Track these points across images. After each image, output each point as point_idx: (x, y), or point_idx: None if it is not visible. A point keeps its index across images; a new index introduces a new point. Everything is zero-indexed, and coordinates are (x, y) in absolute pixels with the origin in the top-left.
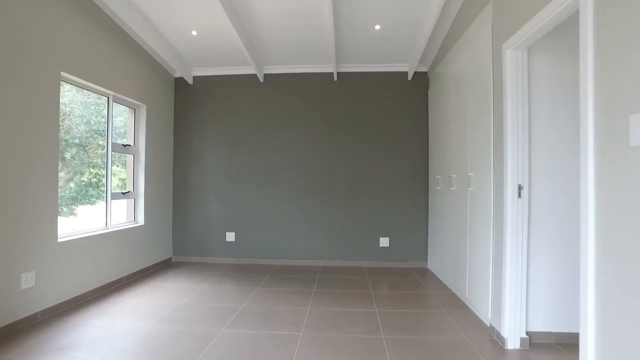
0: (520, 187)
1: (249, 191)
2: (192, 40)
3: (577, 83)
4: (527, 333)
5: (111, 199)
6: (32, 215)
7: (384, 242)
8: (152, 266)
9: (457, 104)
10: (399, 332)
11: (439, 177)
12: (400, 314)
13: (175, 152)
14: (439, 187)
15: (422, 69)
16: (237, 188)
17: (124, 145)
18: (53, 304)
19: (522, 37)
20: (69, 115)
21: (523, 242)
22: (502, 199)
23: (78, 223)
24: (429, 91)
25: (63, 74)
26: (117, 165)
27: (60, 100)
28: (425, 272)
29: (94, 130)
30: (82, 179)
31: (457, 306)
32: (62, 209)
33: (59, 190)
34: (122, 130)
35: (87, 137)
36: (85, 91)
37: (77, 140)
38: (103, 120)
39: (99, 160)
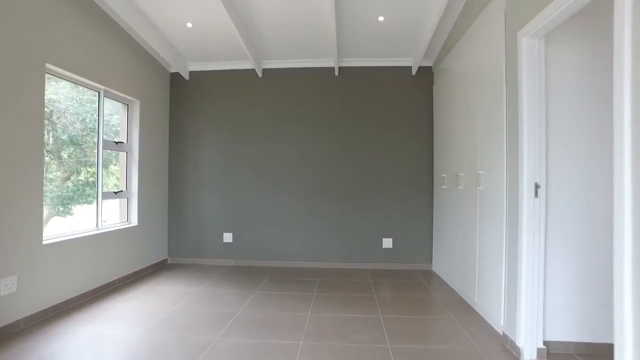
0: (537, 186)
1: (247, 190)
2: (187, 33)
3: (599, 73)
4: (544, 343)
5: (102, 198)
6: (13, 216)
7: (387, 243)
8: (146, 268)
9: (464, 98)
10: (406, 341)
11: (444, 175)
12: (405, 320)
13: (171, 150)
14: (444, 186)
15: (427, 63)
16: (235, 187)
17: (117, 143)
18: (37, 311)
19: (540, 24)
20: (64, 113)
21: (540, 244)
22: (516, 198)
23: (73, 223)
24: (433, 86)
25: (48, 65)
26: (115, 164)
27: (55, 97)
28: (430, 275)
29: (89, 128)
30: (79, 178)
31: (466, 311)
32: (58, 208)
33: (55, 189)
34: (119, 129)
35: (83, 136)
36: (81, 88)
37: (73, 139)
38: (103, 119)
39: (96, 159)
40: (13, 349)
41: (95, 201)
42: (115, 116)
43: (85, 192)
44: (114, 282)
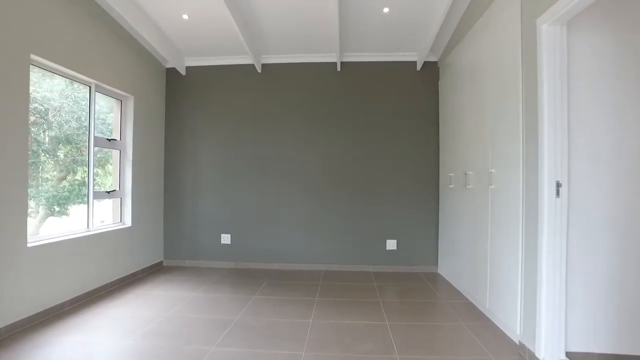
0: (558, 185)
1: (246, 190)
2: (183, 26)
3: (625, 63)
4: (566, 354)
5: (94, 198)
6: None
7: (391, 244)
8: (140, 271)
9: (473, 93)
10: (415, 351)
11: (451, 174)
12: (414, 328)
13: (167, 148)
14: (451, 185)
15: (432, 58)
16: (234, 186)
17: (109, 140)
18: (20, 318)
19: (562, 9)
20: (59, 111)
21: (562, 247)
22: (535, 198)
23: (66, 224)
24: (439, 82)
25: (33, 57)
26: (112, 164)
27: (49, 94)
28: (435, 277)
29: (85, 126)
30: (76, 177)
31: (476, 317)
32: (54, 208)
33: (51, 189)
34: (112, 126)
35: (79, 134)
36: (76, 85)
37: (68, 137)
38: (94, 115)
39: (87, 157)
40: None
41: (87, 201)
42: (112, 114)
43: (82, 192)
44: (105, 286)
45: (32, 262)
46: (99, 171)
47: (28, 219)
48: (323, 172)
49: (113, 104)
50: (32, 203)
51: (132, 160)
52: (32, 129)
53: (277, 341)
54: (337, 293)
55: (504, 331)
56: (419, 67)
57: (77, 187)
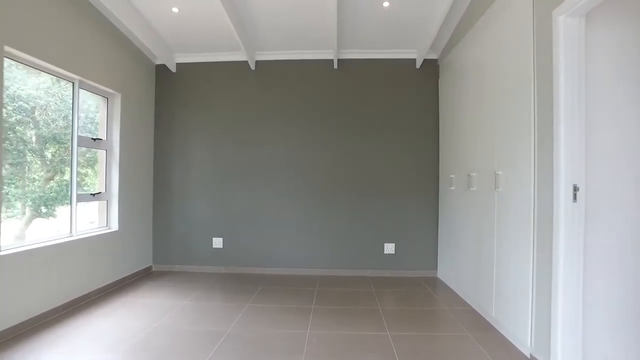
0: (575, 188)
1: (239, 192)
2: (173, 20)
3: None
4: None
5: (77, 201)
6: None
7: (389, 248)
8: (128, 277)
9: (478, 92)
10: None
11: (453, 176)
12: (417, 339)
13: (156, 148)
14: (453, 188)
15: (432, 56)
16: (226, 188)
17: (94, 139)
18: None
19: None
20: (45, 109)
21: (579, 255)
22: (549, 202)
23: (52, 226)
24: (439, 80)
25: (7, 48)
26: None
27: (35, 92)
28: (435, 282)
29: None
30: (64, 178)
31: (482, 327)
32: (41, 209)
33: (37, 190)
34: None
35: (66, 134)
36: (63, 83)
37: (56, 137)
38: (82, 114)
39: (81, 159)
40: None
41: (69, 204)
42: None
43: (70, 193)
44: (90, 295)
45: (8, 271)
46: (89, 172)
47: (14, 221)
48: (319, 173)
49: (99, 101)
50: (18, 204)
51: (119, 161)
52: (19, 127)
53: (272, 355)
54: (334, 300)
55: (513, 343)
56: (418, 65)
57: (64, 187)
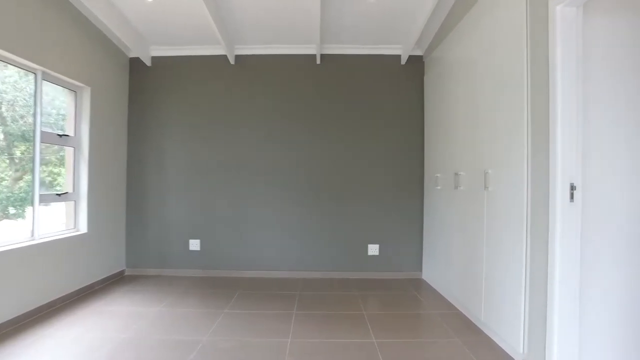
0: (572, 187)
1: (217, 192)
2: (148, 10)
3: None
4: None
5: (40, 202)
6: None
7: (373, 249)
8: (98, 282)
9: (466, 88)
10: None
11: (439, 175)
12: (405, 346)
13: (130, 146)
14: (439, 187)
15: (418, 52)
16: (204, 188)
17: (60, 136)
18: None
19: None
20: (12, 105)
21: (576, 257)
22: (544, 202)
23: (21, 228)
24: (425, 78)
25: None
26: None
27: (1, 86)
28: (420, 284)
29: (43, 122)
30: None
31: (471, 331)
32: (8, 210)
33: (5, 190)
34: (65, 120)
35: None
36: (30, 76)
37: (24, 134)
38: (54, 111)
39: (53, 157)
40: None
41: (32, 205)
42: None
43: (32, 194)
44: (54, 303)
45: None
46: (62, 171)
47: None
48: (300, 173)
49: (66, 95)
50: None
51: (89, 159)
52: None
53: None
54: (317, 305)
55: (504, 348)
56: (403, 61)
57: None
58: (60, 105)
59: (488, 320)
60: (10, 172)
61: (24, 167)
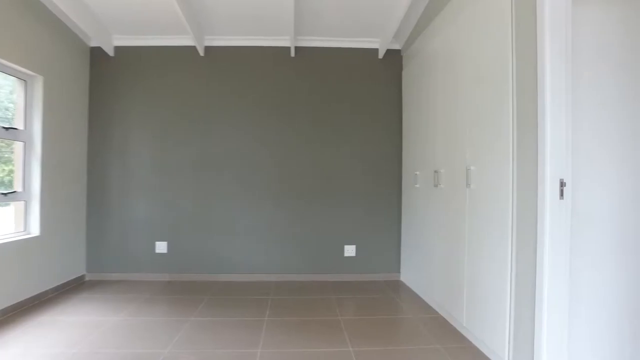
0: (562, 184)
1: (185, 191)
2: None
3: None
4: None
5: None
6: None
7: (350, 250)
8: (52, 290)
9: (446, 82)
10: None
11: (418, 172)
12: (383, 355)
13: (91, 142)
14: (418, 185)
15: (396, 46)
16: (171, 187)
17: (6, 129)
18: None
19: None
20: None
21: (565, 257)
22: (532, 200)
23: None
24: (403, 72)
25: None
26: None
27: None
28: (398, 286)
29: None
30: None
31: (453, 337)
32: None
33: None
34: (16, 112)
35: None
36: None
37: None
38: (12, 105)
39: (12, 155)
40: None
41: None
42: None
43: None
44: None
45: None
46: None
47: None
48: (274, 171)
49: (14, 85)
50: None
51: (42, 155)
52: None
53: None
54: (290, 310)
55: (487, 355)
56: (380, 55)
57: None
58: (5, 96)
59: (471, 326)
60: None
61: None
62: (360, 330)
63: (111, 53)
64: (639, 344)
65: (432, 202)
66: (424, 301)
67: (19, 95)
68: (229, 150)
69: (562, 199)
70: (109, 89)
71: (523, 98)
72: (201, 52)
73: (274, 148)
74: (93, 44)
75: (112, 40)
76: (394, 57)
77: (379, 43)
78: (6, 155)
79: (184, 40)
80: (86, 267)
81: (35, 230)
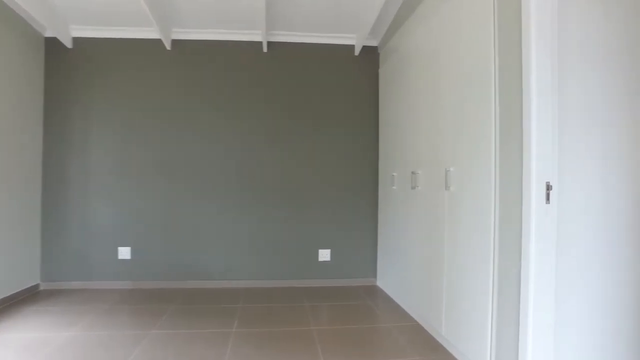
0: (548, 187)
1: (150, 194)
2: None
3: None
4: None
5: None
6: None
7: (325, 255)
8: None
9: (425, 80)
10: None
11: (395, 174)
12: None
13: (47, 140)
14: (395, 187)
15: (373, 43)
16: (135, 190)
17: None
18: None
19: None
20: None
21: (552, 264)
22: (514, 203)
23: None
24: (380, 70)
25: None
26: None
27: None
28: (374, 292)
29: None
30: None
31: (432, 347)
32: None
33: None
34: None
35: None
36: None
37: None
38: None
39: None
40: None
41: None
42: None
43: None
44: None
45: None
46: None
47: None
48: (243, 173)
49: None
50: None
51: None
52: None
53: None
54: (260, 320)
55: None
56: (357, 52)
57: None
58: None
59: (450, 335)
60: None
61: None
62: (334, 341)
63: (69, 45)
64: (624, 347)
65: (409, 205)
66: (400, 307)
67: None
68: (196, 151)
69: (549, 203)
70: (66, 84)
71: (506, 96)
72: (168, 46)
73: (244, 149)
74: (48, 34)
75: (70, 31)
76: (371, 54)
77: (355, 39)
78: None
79: (149, 32)
80: (40, 275)
81: None
